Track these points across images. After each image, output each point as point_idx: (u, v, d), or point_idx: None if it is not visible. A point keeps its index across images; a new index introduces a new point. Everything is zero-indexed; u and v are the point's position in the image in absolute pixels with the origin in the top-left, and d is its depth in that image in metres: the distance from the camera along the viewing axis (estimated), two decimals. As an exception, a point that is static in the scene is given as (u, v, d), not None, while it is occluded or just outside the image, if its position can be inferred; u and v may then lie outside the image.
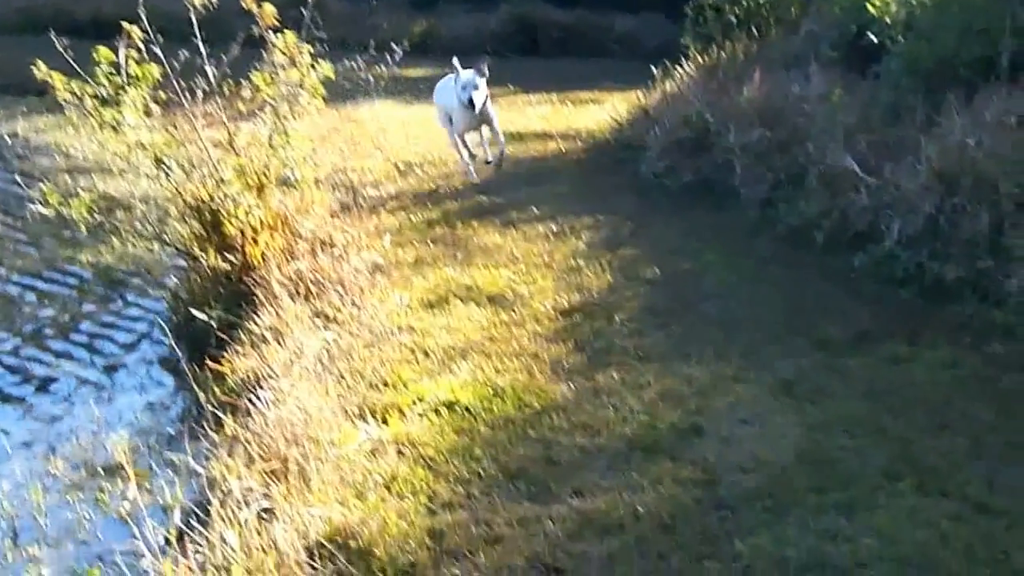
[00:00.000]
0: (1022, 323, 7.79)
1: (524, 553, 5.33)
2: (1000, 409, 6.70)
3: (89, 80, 8.18)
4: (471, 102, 11.54)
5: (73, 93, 8.16)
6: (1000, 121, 9.36)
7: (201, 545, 5.28)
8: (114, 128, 8.41)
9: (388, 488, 5.90)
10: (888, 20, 11.88)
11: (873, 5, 12.15)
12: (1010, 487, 5.82)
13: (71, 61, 8.15)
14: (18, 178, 11.07)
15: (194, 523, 5.49)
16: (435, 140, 15.29)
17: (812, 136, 11.21)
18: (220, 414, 6.49)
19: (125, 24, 8.18)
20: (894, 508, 5.63)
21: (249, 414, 6.47)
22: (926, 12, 11.40)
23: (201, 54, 8.71)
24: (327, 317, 8.05)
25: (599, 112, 16.83)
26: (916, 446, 6.27)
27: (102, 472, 6.59)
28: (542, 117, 17.40)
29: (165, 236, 9.21)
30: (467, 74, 11.71)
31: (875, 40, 12.13)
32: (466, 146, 12.67)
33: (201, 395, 6.66)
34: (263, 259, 8.44)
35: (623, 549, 5.35)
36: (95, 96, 8.22)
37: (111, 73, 8.22)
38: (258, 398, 6.58)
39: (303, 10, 9.19)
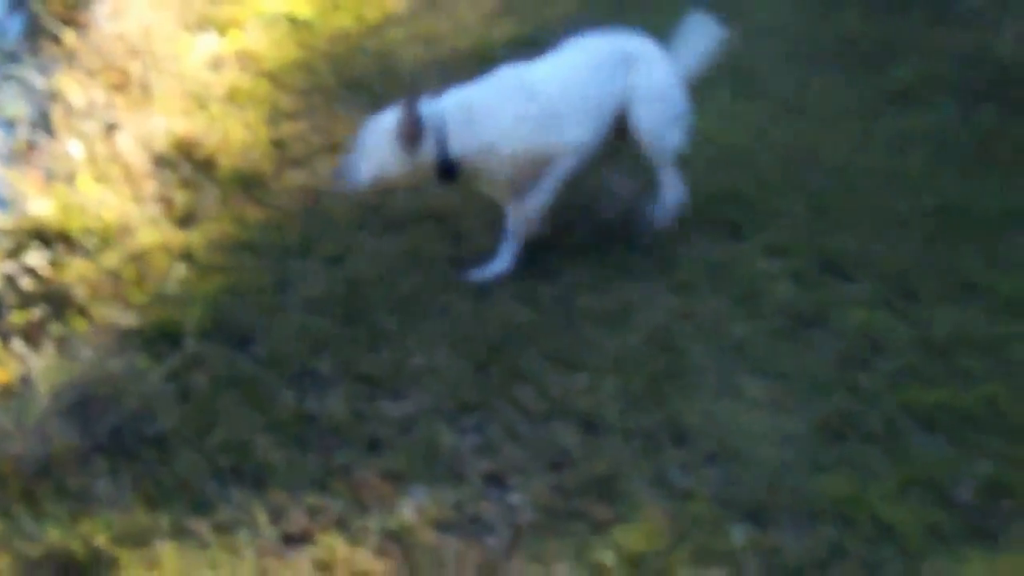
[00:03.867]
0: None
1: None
2: (814, 16, 6.77)
3: None
4: None
5: None
6: None
7: (47, 156, 5.20)
8: None
9: (230, 100, 5.82)
10: None
11: None
12: (821, 90, 5.94)
13: None
14: None
15: (39, 136, 5.40)
16: None
17: None
18: (58, 29, 6.30)
19: None
20: (714, 111, 5.69)
21: (87, 28, 6.30)
22: None
23: None
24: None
25: None
26: (736, 51, 6.30)
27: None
28: None
29: None
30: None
31: None
32: None
33: (39, 8, 6.45)
34: None
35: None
36: None
37: None
38: (95, 12, 6.40)
39: None
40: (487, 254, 4.66)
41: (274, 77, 6.10)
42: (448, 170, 4.49)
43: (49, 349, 4.12)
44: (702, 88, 5.82)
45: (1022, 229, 4.82)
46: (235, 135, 5.49)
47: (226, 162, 5.30)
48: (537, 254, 4.66)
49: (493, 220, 4.86)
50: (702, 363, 4.11)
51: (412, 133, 4.38)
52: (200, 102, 5.75)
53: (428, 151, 4.44)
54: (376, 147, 4.45)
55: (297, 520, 3.41)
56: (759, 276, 4.51)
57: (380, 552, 3.30)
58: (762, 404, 3.91)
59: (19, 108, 5.55)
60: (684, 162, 5.19)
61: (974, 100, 5.77)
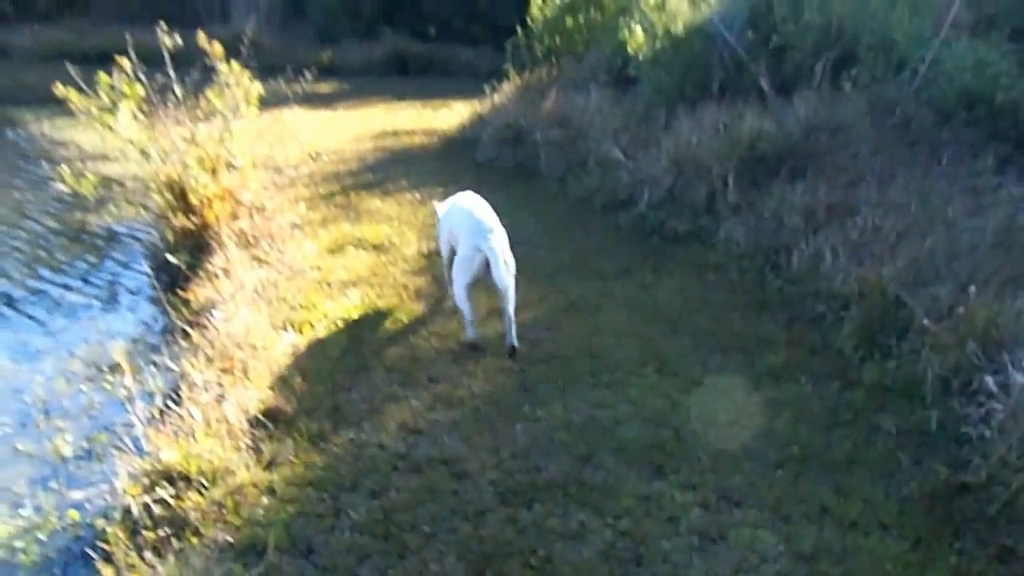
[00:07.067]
0: (726, 261, 7.97)
1: (396, 421, 5.37)
2: (712, 318, 6.87)
3: (93, 95, 7.94)
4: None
5: (83, 105, 7.93)
6: (713, 125, 9.54)
7: (175, 419, 5.22)
8: (111, 128, 8.18)
9: (303, 378, 5.87)
10: (640, 57, 12.00)
11: (630, 47, 12.24)
12: (716, 369, 6.00)
13: (81, 83, 7.89)
14: (44, 163, 10.71)
15: (170, 404, 5.43)
16: (335, 135, 15.09)
17: (591, 134, 11.31)
18: (187, 328, 6.40)
19: (118, 57, 7.97)
20: (642, 385, 5.76)
21: (207, 328, 6.39)
22: (665, 52, 11.52)
23: (171, 77, 8.49)
24: (260, 260, 7.95)
25: (449, 115, 16.72)
26: (657, 343, 6.41)
27: (106, 368, 6.45)
28: (409, 118, 17.24)
29: (147, 204, 8.98)
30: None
31: (632, 71, 12.27)
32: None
33: (173, 315, 6.55)
34: (216, 220, 8.29)
35: (463, 417, 5.41)
36: (98, 107, 7.99)
37: (110, 87, 8.00)
38: (213, 317, 6.50)
39: (242, 47, 8.98)
40: (486, 488, 4.66)
41: (334, 362, 6.15)
42: None
43: (171, 559, 4.10)
44: (635, 370, 5.92)
45: (861, 470, 4.83)
46: (306, 404, 5.52)
47: (299, 423, 5.32)
48: (519, 491, 4.65)
49: (489, 465, 4.87)
50: (638, 571, 4.07)
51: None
52: (284, 380, 5.81)
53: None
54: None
55: None
56: (676, 506, 4.50)
57: None
58: (680, 600, 3.87)
59: (157, 384, 5.60)
60: (619, 423, 5.26)
61: (824, 379, 5.84)
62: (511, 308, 6.18)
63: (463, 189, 7.76)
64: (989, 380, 5.06)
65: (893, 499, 4.60)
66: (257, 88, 8.77)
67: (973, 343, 5.40)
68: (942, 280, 6.21)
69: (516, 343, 6.20)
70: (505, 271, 6.10)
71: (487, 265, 6.14)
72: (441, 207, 7.16)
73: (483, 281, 6.28)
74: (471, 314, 6.36)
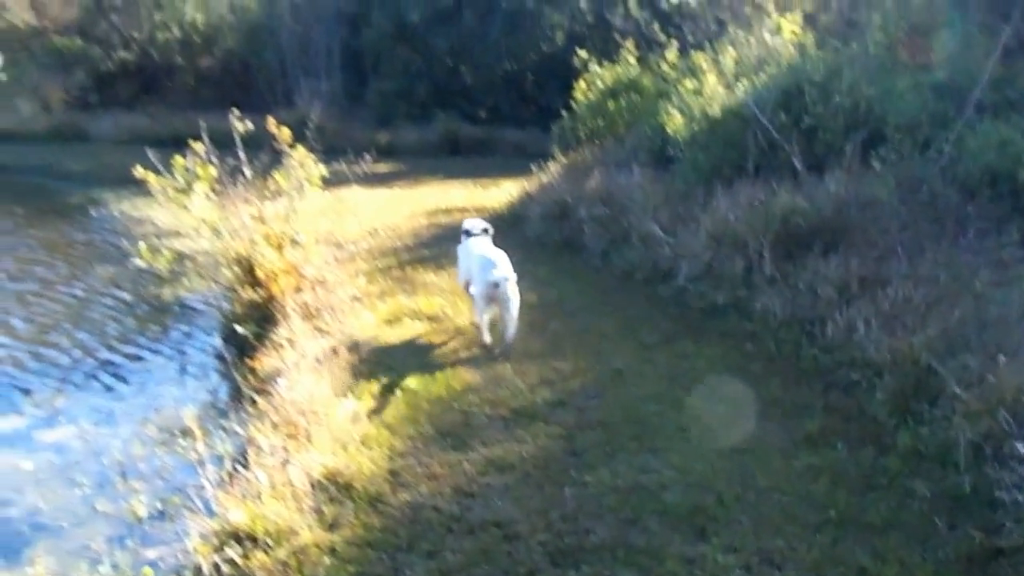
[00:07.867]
0: (762, 331, 7.93)
1: (450, 484, 5.36)
2: (750, 384, 6.82)
3: (169, 177, 8.14)
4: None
5: (160, 185, 8.14)
6: (749, 202, 9.55)
7: (243, 481, 5.25)
8: (186, 207, 8.37)
9: (363, 444, 5.89)
10: (679, 138, 12.08)
11: (669, 129, 12.34)
12: (757, 435, 5.94)
13: (158, 165, 8.11)
14: (124, 240, 10.94)
15: (238, 467, 5.47)
16: (392, 213, 15.26)
17: (633, 211, 11.35)
18: (254, 395, 6.46)
19: (192, 141, 8.18)
20: (684, 451, 5.72)
21: (272, 395, 6.44)
22: (702, 133, 11.59)
23: (241, 159, 8.68)
24: (322, 330, 8.02)
25: (498, 193, 16.86)
26: (698, 410, 6.37)
27: (179, 432, 6.52)
28: (461, 196, 17.41)
29: (218, 278, 9.13)
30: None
31: (671, 151, 12.35)
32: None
33: (241, 382, 6.62)
34: (281, 293, 8.41)
35: (515, 481, 5.39)
36: (174, 187, 8.19)
37: (185, 169, 8.21)
38: (278, 385, 6.56)
39: (307, 130, 9.18)
40: (537, 549, 4.63)
41: (391, 427, 6.18)
42: None
43: (238, 615, 4.09)
44: (678, 436, 5.88)
45: (897, 533, 4.74)
46: (365, 468, 5.54)
47: (359, 486, 5.33)
48: (568, 553, 4.60)
49: (539, 527, 4.83)
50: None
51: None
52: (343, 445, 5.83)
53: None
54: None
55: None
56: (719, 568, 4.44)
57: None
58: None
59: (226, 448, 5.65)
60: (664, 487, 5.21)
61: (859, 444, 5.76)
62: (514, 315, 7.73)
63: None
64: (1020, 447, 4.96)
65: (930, 562, 4.50)
66: (320, 169, 8.94)
67: (1003, 410, 5.31)
68: (972, 349, 6.13)
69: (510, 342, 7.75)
70: (512, 294, 7.64)
71: (496, 288, 7.57)
72: (473, 224, 8.66)
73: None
74: (485, 327, 7.83)
